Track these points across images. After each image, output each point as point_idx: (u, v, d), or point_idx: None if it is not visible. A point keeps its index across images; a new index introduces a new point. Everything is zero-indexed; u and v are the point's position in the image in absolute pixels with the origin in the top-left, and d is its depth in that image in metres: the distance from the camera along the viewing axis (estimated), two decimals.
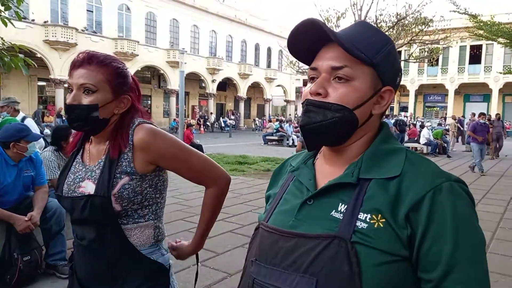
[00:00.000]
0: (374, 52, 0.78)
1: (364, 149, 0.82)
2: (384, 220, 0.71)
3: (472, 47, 33.82)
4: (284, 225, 0.81)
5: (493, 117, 16.16)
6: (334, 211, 0.76)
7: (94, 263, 1.23)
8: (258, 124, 35.30)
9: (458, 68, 34.88)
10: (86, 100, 1.17)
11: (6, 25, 3.35)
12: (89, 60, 1.18)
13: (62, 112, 21.34)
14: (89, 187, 1.19)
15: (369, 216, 0.72)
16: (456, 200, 0.71)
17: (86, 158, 1.29)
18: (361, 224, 0.72)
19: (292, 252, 0.76)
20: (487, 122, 11.03)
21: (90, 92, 1.17)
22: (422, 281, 0.71)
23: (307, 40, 0.81)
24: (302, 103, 0.83)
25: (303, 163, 0.90)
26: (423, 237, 0.70)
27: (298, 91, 41.94)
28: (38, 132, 4.38)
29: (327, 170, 0.85)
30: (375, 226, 0.72)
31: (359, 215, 0.73)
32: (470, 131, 10.49)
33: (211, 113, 32.88)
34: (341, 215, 0.75)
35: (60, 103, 22.23)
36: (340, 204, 0.76)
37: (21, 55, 3.08)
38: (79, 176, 1.24)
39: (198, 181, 1.34)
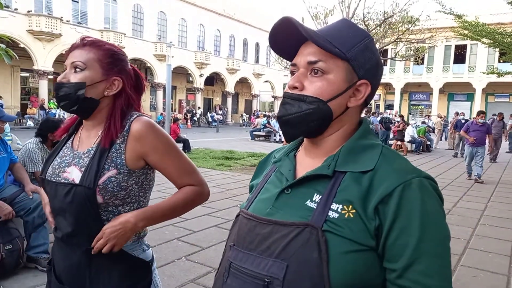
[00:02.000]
0: (349, 46, 0.81)
1: (342, 142, 0.85)
2: (354, 211, 0.75)
3: (457, 46, 34.36)
4: (262, 213, 0.84)
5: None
6: (309, 200, 0.80)
7: (72, 258, 1.20)
8: (245, 120, 35.26)
9: (443, 67, 35.40)
10: (75, 78, 1.19)
11: None
12: (84, 42, 1.23)
13: (46, 104, 20.92)
14: (74, 174, 1.17)
15: (340, 206, 0.76)
16: (425, 195, 0.74)
17: (75, 144, 1.27)
18: (333, 214, 0.76)
19: (267, 238, 0.80)
20: (487, 122, 9.67)
21: (79, 70, 1.19)
22: (387, 271, 0.75)
23: (289, 38, 0.84)
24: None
25: (285, 155, 0.94)
26: (390, 229, 0.73)
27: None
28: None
29: (307, 162, 0.88)
30: (346, 216, 0.75)
31: (332, 206, 0.77)
32: (463, 131, 9.41)
33: (199, 108, 32.70)
34: (315, 204, 0.79)
35: (43, 95, 21.79)
36: (316, 194, 0.80)
37: (2, 45, 3.01)
38: (65, 161, 1.22)
39: (182, 182, 1.29)
